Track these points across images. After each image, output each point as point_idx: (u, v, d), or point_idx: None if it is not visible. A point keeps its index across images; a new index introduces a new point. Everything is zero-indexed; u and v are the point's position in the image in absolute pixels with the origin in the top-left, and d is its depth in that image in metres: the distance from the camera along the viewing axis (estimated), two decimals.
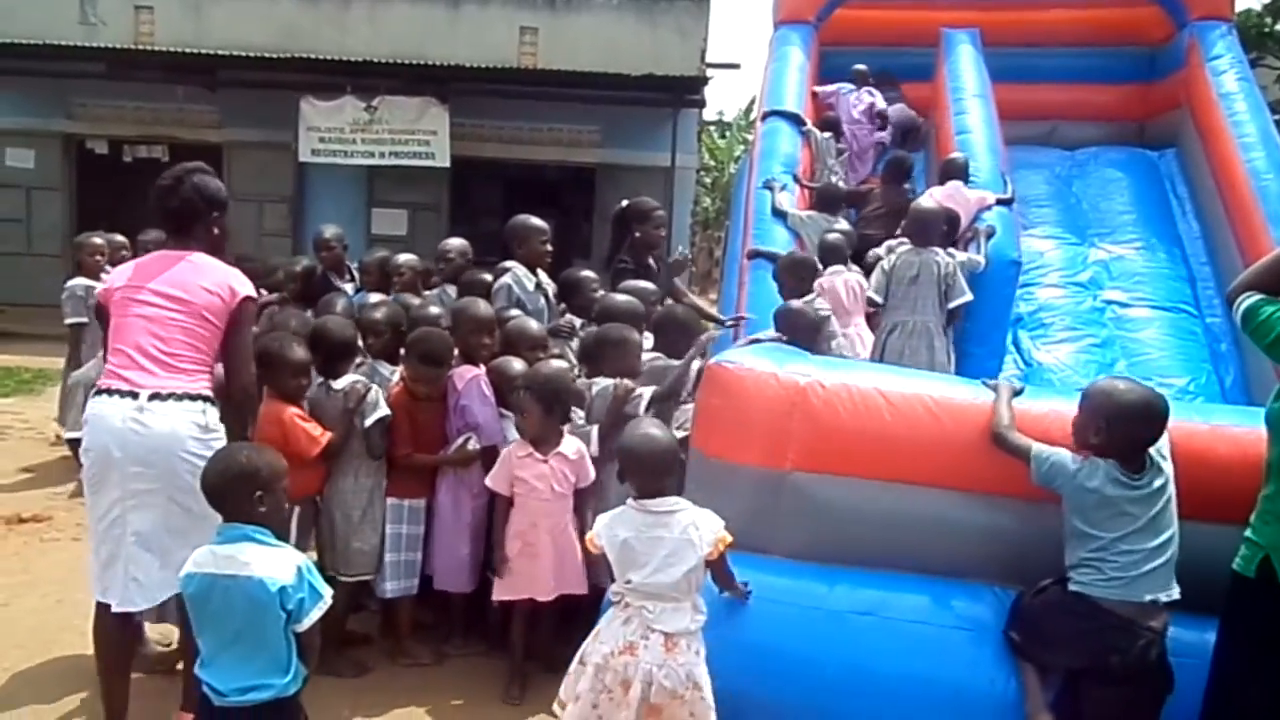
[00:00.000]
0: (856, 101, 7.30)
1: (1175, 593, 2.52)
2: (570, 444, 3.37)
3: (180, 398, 2.68)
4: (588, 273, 4.53)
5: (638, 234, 4.96)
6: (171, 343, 2.71)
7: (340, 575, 3.39)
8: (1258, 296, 2.37)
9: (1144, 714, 2.51)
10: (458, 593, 3.58)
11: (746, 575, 2.78)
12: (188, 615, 2.34)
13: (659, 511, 2.50)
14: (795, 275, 4.48)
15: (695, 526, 2.48)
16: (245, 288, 2.81)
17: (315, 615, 2.22)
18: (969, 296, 4.46)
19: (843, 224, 5.50)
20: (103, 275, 5.23)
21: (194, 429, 2.67)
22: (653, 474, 2.53)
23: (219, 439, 2.69)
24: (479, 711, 3.23)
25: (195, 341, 2.74)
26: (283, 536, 2.39)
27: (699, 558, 2.46)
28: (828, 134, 6.95)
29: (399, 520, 3.48)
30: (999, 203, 5.34)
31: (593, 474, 3.39)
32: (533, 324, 4.00)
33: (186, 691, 2.77)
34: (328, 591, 2.28)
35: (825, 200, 5.69)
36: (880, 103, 7.31)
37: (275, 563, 2.21)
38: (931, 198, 5.10)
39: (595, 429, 3.55)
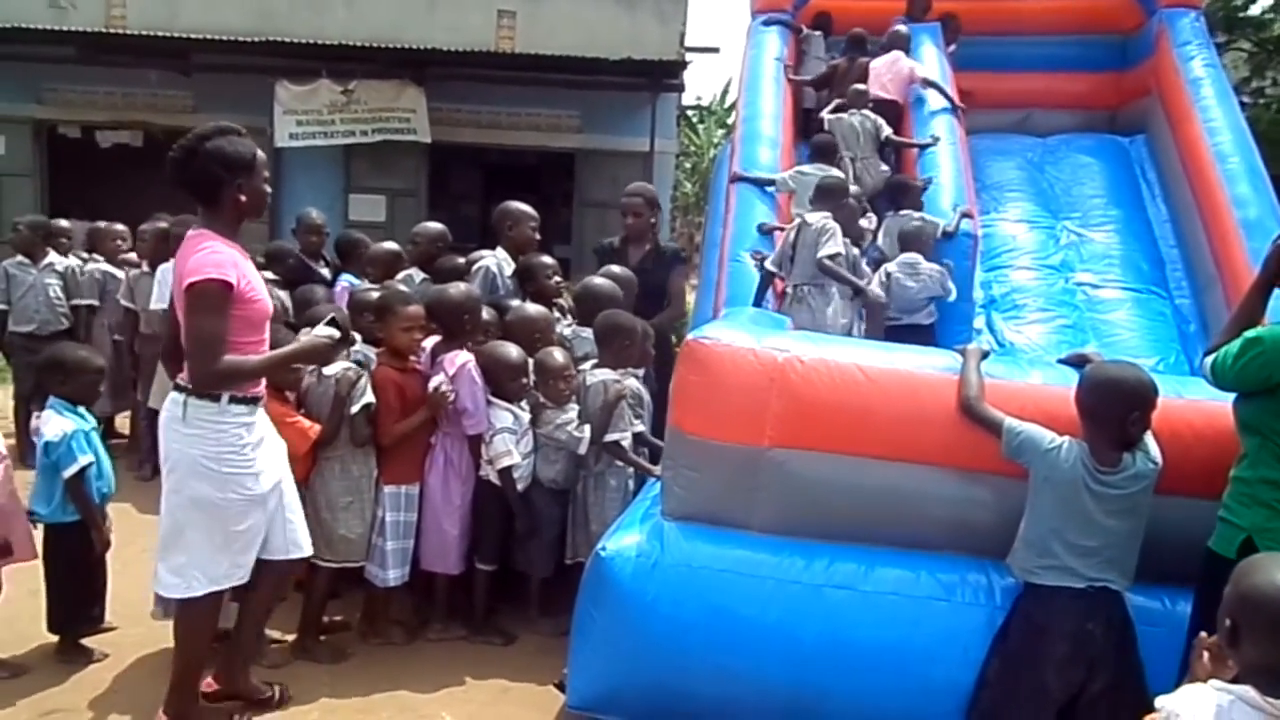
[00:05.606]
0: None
1: (1113, 584, 2.49)
2: None
3: (178, 389, 2.72)
4: (545, 258, 4.51)
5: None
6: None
7: (323, 560, 3.40)
8: (1210, 356, 2.42)
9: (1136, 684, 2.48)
10: (443, 575, 3.61)
11: (726, 551, 2.82)
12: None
13: None
14: None
15: None
16: (193, 274, 2.59)
17: (71, 470, 3.12)
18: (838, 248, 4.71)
19: (834, 172, 5.73)
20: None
21: (174, 420, 2.68)
22: None
23: (197, 434, 2.64)
24: (459, 694, 3.25)
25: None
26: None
27: None
28: (818, 32, 7.50)
29: (397, 508, 3.49)
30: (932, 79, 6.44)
31: None
32: (534, 310, 3.99)
33: (171, 693, 2.82)
34: (85, 458, 3.17)
35: (820, 150, 6.00)
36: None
37: (56, 425, 3.13)
38: (874, 71, 6.65)
39: (588, 429, 3.57)
